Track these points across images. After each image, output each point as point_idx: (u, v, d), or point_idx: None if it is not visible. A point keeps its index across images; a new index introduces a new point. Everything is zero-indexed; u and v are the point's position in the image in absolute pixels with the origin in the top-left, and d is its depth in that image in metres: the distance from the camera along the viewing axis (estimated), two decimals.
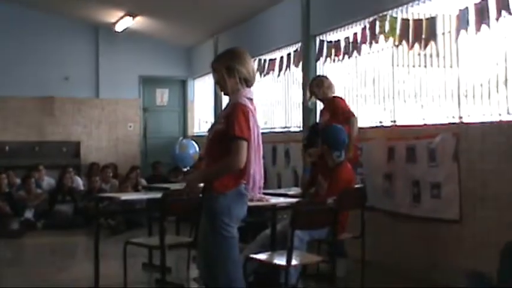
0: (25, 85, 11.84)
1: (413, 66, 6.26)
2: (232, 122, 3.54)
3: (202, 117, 12.81)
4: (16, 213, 9.34)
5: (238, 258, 3.73)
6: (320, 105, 7.10)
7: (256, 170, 3.63)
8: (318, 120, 6.69)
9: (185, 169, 6.19)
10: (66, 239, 8.76)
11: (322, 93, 6.23)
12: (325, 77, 6.39)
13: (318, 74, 7.72)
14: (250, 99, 3.67)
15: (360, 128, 6.22)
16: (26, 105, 11.97)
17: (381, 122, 6.62)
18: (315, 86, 6.29)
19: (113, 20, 11.50)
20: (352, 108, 6.47)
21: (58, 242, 8.56)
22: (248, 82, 3.71)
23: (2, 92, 11.69)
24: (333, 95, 6.27)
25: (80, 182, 10.82)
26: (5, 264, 7.06)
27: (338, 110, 5.97)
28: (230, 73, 3.70)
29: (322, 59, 7.63)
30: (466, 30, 5.25)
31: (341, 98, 6.34)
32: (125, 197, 6.01)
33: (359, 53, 6.83)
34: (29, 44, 11.88)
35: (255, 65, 8.94)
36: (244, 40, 9.53)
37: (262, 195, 4.85)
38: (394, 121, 6.44)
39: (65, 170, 10.51)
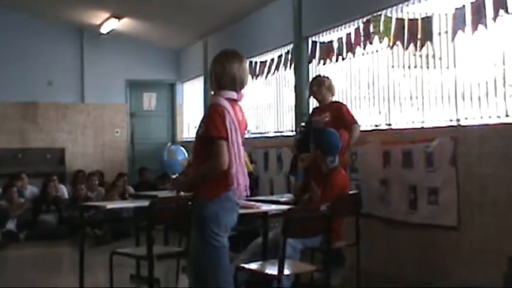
0: (7, 90, 11.79)
1: (409, 67, 6.29)
2: (208, 123, 3.62)
3: (191, 122, 12.80)
4: None
5: (229, 267, 3.74)
6: (313, 104, 7.10)
7: (239, 169, 3.65)
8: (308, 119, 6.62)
9: (174, 176, 6.17)
10: (50, 250, 8.73)
11: (322, 94, 6.20)
12: (326, 77, 6.35)
13: (310, 75, 7.76)
14: (233, 100, 3.72)
15: None
16: (7, 111, 11.94)
17: (376, 126, 6.64)
18: (315, 85, 6.25)
19: (98, 22, 11.49)
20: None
21: (42, 253, 8.52)
22: (231, 85, 3.74)
23: None
24: (333, 97, 6.24)
25: (64, 191, 10.75)
26: None
27: (342, 116, 5.95)
28: (210, 75, 3.84)
29: (315, 61, 7.66)
30: (463, 30, 5.28)
31: (344, 104, 6.33)
32: (111, 205, 5.99)
33: (353, 54, 6.85)
34: (11, 47, 11.83)
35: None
36: (235, 42, 9.54)
37: (253, 203, 4.88)
38: (390, 124, 6.46)
39: (49, 178, 10.45)
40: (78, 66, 12.48)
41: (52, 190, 10.23)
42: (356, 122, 5.98)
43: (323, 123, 5.85)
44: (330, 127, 5.68)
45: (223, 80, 3.77)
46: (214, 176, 3.63)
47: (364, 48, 6.65)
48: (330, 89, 6.21)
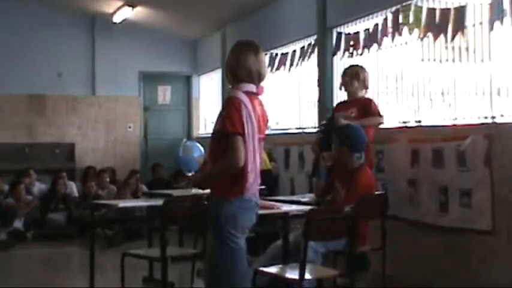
0: (14, 82, 11.88)
1: (441, 60, 6.25)
2: (223, 118, 3.64)
3: (208, 116, 12.84)
4: (4, 222, 9.38)
5: (246, 271, 3.75)
6: (339, 97, 7.07)
7: (251, 167, 3.65)
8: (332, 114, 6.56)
9: (189, 173, 6.21)
10: (58, 250, 8.82)
11: (354, 86, 6.05)
12: (362, 68, 6.17)
13: (335, 68, 7.76)
14: (252, 94, 3.73)
15: (381, 129, 6.20)
16: (14, 104, 12.05)
17: (404, 122, 6.62)
18: (348, 75, 6.10)
19: (111, 10, 11.56)
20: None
21: (50, 254, 8.62)
22: (248, 77, 3.76)
23: None
24: (365, 92, 6.16)
25: (74, 188, 10.83)
26: None
27: (369, 112, 5.91)
28: (226, 68, 3.87)
29: (339, 53, 7.64)
30: (501, 21, 5.23)
31: (372, 100, 6.26)
32: (123, 204, 6.06)
33: (380, 46, 6.83)
34: (18, 37, 11.93)
35: (266, 59, 8.96)
36: (255, 33, 9.55)
37: (273, 203, 4.89)
38: (419, 121, 6.43)
39: (58, 175, 10.53)
40: (89, 57, 12.57)
41: (61, 187, 10.31)
42: (380, 115, 5.93)
43: (350, 119, 5.79)
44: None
45: (238, 72, 3.79)
46: (229, 173, 3.64)
47: (393, 40, 6.63)
48: (364, 83, 6.10)
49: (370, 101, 6.13)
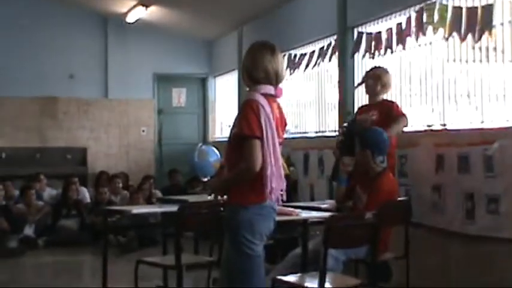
0: (24, 84, 11.99)
1: (467, 61, 6.24)
2: (240, 120, 3.64)
3: (224, 120, 12.88)
4: (14, 229, 9.46)
5: (264, 279, 3.77)
6: (360, 99, 7.08)
7: (274, 171, 3.67)
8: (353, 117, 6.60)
9: (205, 179, 6.24)
10: (70, 258, 8.88)
11: (376, 89, 6.09)
12: (386, 71, 6.22)
13: (356, 69, 7.76)
14: (270, 96, 3.75)
15: (405, 133, 6.20)
16: (25, 106, 12.15)
17: (428, 126, 6.61)
18: (371, 77, 6.15)
19: (124, 10, 11.64)
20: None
21: (62, 261, 8.68)
22: (265, 79, 3.78)
23: None
24: (385, 95, 6.19)
25: (86, 194, 10.91)
26: (2, 286, 7.17)
27: (391, 114, 5.92)
28: (242, 69, 3.89)
29: (358, 54, 7.64)
30: None
31: (394, 102, 6.29)
32: (136, 210, 6.09)
33: (403, 46, 6.83)
34: (29, 38, 12.04)
35: (284, 60, 8.99)
36: (273, 32, 9.58)
37: (292, 210, 4.91)
38: (444, 125, 6.42)
39: (70, 180, 10.62)
40: (101, 59, 12.65)
41: (73, 193, 10.37)
42: (404, 114, 5.94)
43: (369, 123, 5.84)
44: (377, 125, 5.68)
45: (255, 73, 3.81)
46: (246, 179, 3.66)
47: (417, 40, 6.62)
48: (386, 86, 6.14)
49: (392, 103, 6.16)
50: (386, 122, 5.82)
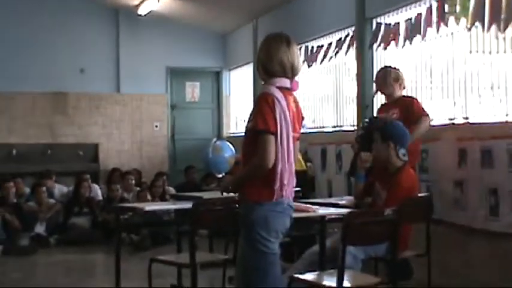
0: (34, 78, 12.07)
1: (490, 52, 6.21)
2: (255, 115, 3.66)
3: (239, 114, 12.90)
4: (26, 227, 9.54)
5: (280, 278, 3.78)
6: (379, 100, 7.09)
7: (286, 167, 3.67)
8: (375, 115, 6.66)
9: (220, 175, 6.26)
10: (83, 256, 8.93)
11: (389, 88, 6.21)
12: (393, 68, 6.37)
13: (375, 62, 7.76)
14: (286, 90, 3.76)
15: None
16: (35, 102, 12.24)
17: (450, 120, 6.60)
18: (380, 77, 6.31)
19: (135, 2, 11.68)
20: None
21: (74, 259, 8.72)
22: (281, 71, 3.79)
23: (7, 87, 11.89)
24: (402, 90, 6.25)
25: (98, 191, 10.96)
26: (14, 285, 7.24)
27: (412, 112, 5.95)
28: (257, 62, 3.89)
29: (375, 45, 7.62)
30: None
31: (415, 98, 6.34)
32: (149, 207, 6.10)
33: (423, 37, 6.81)
34: (38, 31, 12.11)
35: (300, 53, 8.99)
36: (288, 24, 9.58)
37: (309, 206, 4.92)
38: (467, 118, 6.40)
39: (82, 177, 10.66)
40: (113, 52, 12.70)
41: (85, 190, 10.41)
42: (426, 114, 5.97)
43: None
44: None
45: (270, 66, 3.82)
46: (259, 175, 3.68)
47: (438, 30, 6.60)
48: (398, 81, 6.20)
49: (412, 100, 6.18)
50: (408, 118, 5.84)
